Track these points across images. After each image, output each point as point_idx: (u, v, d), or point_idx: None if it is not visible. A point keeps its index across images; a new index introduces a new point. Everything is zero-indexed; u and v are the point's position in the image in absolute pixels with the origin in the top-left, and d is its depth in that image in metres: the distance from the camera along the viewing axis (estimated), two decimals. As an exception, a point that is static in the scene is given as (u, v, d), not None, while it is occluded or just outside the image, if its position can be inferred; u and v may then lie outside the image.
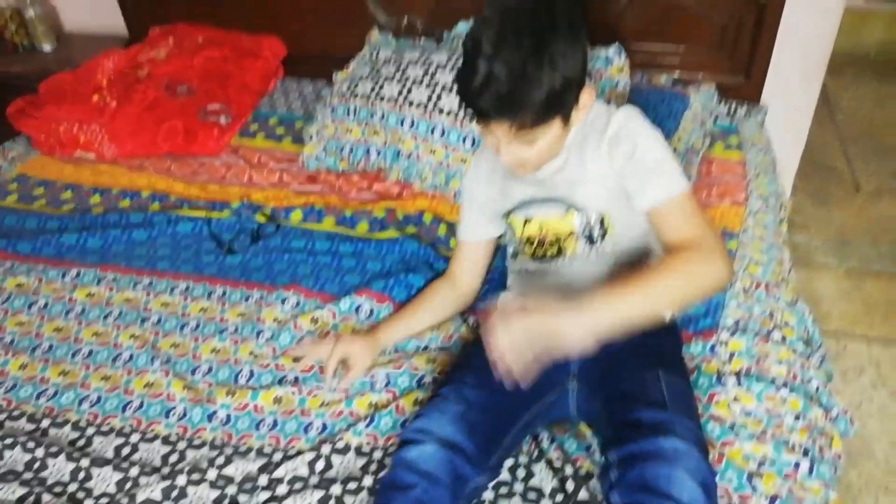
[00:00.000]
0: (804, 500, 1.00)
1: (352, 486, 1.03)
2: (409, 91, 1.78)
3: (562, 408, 1.13)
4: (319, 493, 1.02)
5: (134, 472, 1.06)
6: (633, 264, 1.18)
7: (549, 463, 1.08)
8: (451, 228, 1.54)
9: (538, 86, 0.96)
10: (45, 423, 1.17)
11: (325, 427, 1.15)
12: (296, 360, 1.26)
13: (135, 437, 1.14)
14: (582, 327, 0.92)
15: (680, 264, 1.01)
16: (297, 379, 1.23)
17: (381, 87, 1.81)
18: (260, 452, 1.10)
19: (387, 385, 1.21)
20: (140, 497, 1.02)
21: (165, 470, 1.07)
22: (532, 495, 1.03)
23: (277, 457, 1.09)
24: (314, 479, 1.05)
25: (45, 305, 1.42)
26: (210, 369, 1.27)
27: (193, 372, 1.26)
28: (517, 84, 0.95)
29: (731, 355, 1.22)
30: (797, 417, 1.12)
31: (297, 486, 1.04)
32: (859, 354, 1.98)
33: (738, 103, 2.02)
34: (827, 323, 2.07)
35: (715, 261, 1.02)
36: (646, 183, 1.07)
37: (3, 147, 1.98)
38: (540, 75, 0.95)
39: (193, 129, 1.90)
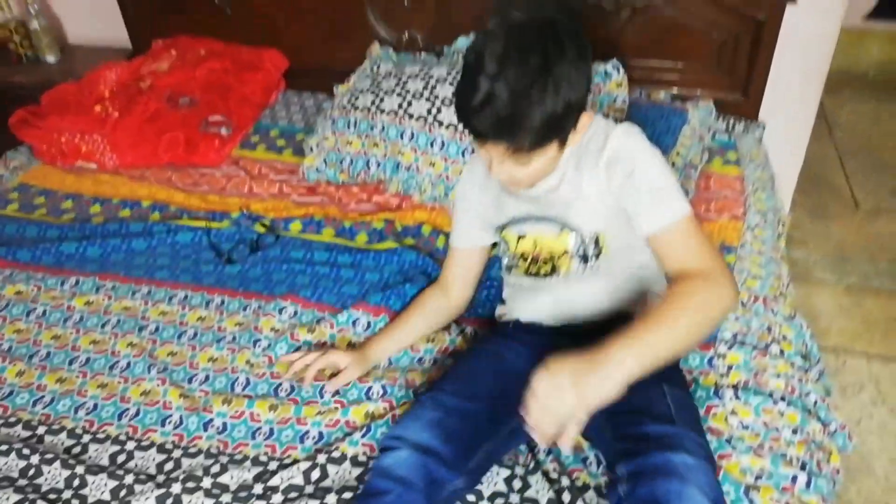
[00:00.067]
0: (802, 514, 1.00)
1: (347, 495, 1.03)
2: (409, 104, 1.79)
3: None
4: (314, 503, 1.01)
5: (129, 479, 1.06)
6: (628, 281, 1.17)
7: (546, 474, 1.08)
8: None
9: (539, 110, 0.94)
10: (41, 430, 1.17)
11: (321, 436, 1.14)
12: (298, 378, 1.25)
13: (130, 445, 1.14)
14: (609, 382, 0.90)
15: (691, 300, 0.98)
16: (292, 388, 1.23)
17: (382, 100, 1.82)
18: (255, 461, 1.10)
19: (383, 395, 1.21)
20: (134, 505, 1.02)
21: (160, 478, 1.07)
22: (528, 506, 1.03)
23: (273, 465, 1.09)
24: (309, 489, 1.05)
25: (44, 313, 1.42)
26: (207, 378, 1.27)
27: (190, 380, 1.26)
28: (518, 107, 0.93)
29: (729, 368, 1.22)
30: (795, 431, 1.12)
31: (293, 495, 1.04)
32: (859, 371, 1.97)
33: (737, 120, 2.03)
34: (826, 339, 2.07)
35: (724, 287, 1.00)
36: (646, 208, 1.05)
37: (6, 156, 1.99)
38: (542, 99, 0.93)
39: (194, 141, 1.91)
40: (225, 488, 1.05)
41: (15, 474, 1.07)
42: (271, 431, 1.16)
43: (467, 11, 2.10)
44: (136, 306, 1.43)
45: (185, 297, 1.45)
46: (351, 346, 1.32)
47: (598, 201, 1.10)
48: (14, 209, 1.76)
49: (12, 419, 1.19)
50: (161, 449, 1.13)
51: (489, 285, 1.43)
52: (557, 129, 0.99)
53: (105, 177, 1.88)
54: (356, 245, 1.59)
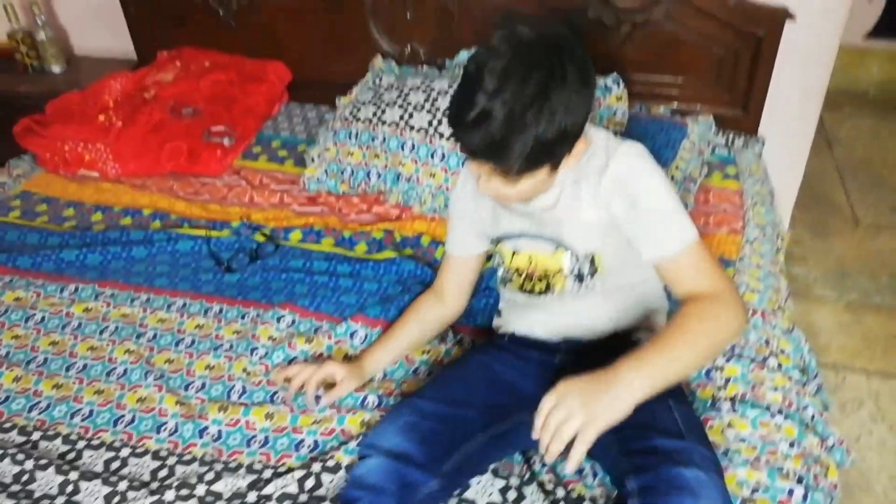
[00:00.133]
0: (798, 528, 0.99)
1: (341, 504, 1.02)
2: (411, 116, 1.80)
3: None
4: (308, 511, 1.01)
5: (122, 486, 1.06)
6: (626, 299, 1.16)
7: (541, 485, 1.07)
8: (449, 251, 1.54)
9: (531, 136, 0.91)
10: (36, 435, 1.17)
11: (316, 445, 1.14)
12: (286, 379, 1.24)
13: (125, 452, 1.14)
14: (619, 403, 0.89)
15: (701, 322, 0.98)
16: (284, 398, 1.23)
17: (383, 112, 1.84)
18: (250, 469, 1.10)
19: (378, 405, 1.21)
20: (128, 511, 1.02)
21: (154, 485, 1.07)
22: (523, 517, 1.02)
23: (267, 474, 1.08)
24: (303, 497, 1.04)
25: (42, 319, 1.43)
26: (203, 385, 1.27)
27: (187, 388, 1.26)
28: (510, 130, 0.91)
29: (727, 381, 1.22)
30: (792, 445, 1.12)
31: (286, 503, 1.03)
32: (858, 388, 1.97)
33: (736, 134, 2.04)
34: (826, 356, 2.06)
35: (733, 310, 1.00)
36: (651, 236, 1.03)
37: (9, 165, 2.00)
38: (536, 124, 0.91)
39: (197, 150, 1.92)
40: (219, 496, 1.05)
41: (8, 479, 1.07)
42: (266, 439, 1.15)
43: (470, 26, 2.12)
44: (135, 313, 1.43)
45: (184, 304, 1.46)
46: (347, 358, 1.32)
47: (596, 223, 1.07)
48: (16, 216, 1.77)
49: (7, 424, 1.19)
50: (156, 456, 1.13)
51: (487, 294, 1.43)
52: (548, 155, 0.97)
53: (107, 185, 1.89)
54: (355, 255, 1.60)
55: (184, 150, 1.91)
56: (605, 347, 1.15)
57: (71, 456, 1.13)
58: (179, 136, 1.93)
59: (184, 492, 1.04)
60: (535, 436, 0.92)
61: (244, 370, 1.29)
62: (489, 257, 1.33)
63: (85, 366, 1.31)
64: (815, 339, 2.10)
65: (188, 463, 1.11)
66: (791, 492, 1.04)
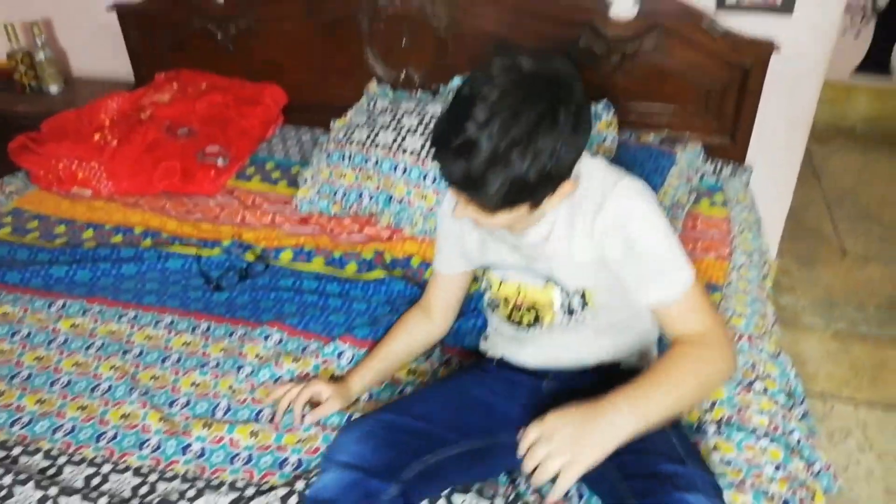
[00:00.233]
0: (783, 550, 0.99)
1: (323, 522, 1.01)
2: (404, 139, 1.82)
3: None
4: (290, 529, 1.00)
5: (102, 502, 1.04)
6: (618, 333, 1.15)
7: (526, 506, 1.06)
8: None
9: (512, 175, 0.88)
10: (17, 450, 1.15)
11: (300, 463, 1.13)
12: (272, 399, 1.24)
13: (106, 468, 1.12)
14: (606, 442, 0.90)
15: (693, 364, 0.98)
16: (273, 416, 1.22)
17: (377, 135, 1.86)
18: (232, 486, 1.08)
19: (365, 423, 1.20)
20: (106, 528, 1.00)
21: (135, 502, 1.05)
22: (507, 538, 1.01)
23: (250, 491, 1.07)
24: (286, 515, 1.03)
25: (28, 335, 1.42)
26: (188, 402, 1.26)
27: (171, 404, 1.25)
28: (492, 166, 0.88)
29: (713, 404, 1.22)
30: (777, 468, 1.12)
31: (268, 521, 1.02)
32: (846, 417, 1.97)
33: (724, 163, 2.07)
34: (813, 384, 2.06)
35: (724, 354, 1.00)
36: (648, 280, 1.02)
37: (2, 181, 2.01)
38: (520, 164, 0.88)
39: (191, 170, 1.93)
40: (200, 513, 1.03)
41: (-13, 494, 1.06)
42: (250, 457, 1.14)
43: (464, 53, 2.16)
44: (122, 330, 1.43)
45: (172, 322, 1.45)
46: (334, 378, 1.31)
47: (590, 262, 1.05)
48: (7, 232, 1.77)
49: (-12, 439, 1.18)
50: (137, 472, 1.11)
51: (476, 315, 1.43)
52: (528, 195, 0.94)
53: (99, 203, 1.90)
54: (345, 275, 1.60)
55: (178, 170, 1.92)
56: (595, 372, 1.16)
57: (51, 471, 1.11)
58: (174, 155, 1.95)
59: (164, 509, 1.03)
60: (520, 458, 0.92)
61: (230, 388, 1.29)
62: (477, 278, 1.33)
63: (69, 381, 1.30)
64: (803, 367, 2.11)
65: (170, 480, 1.10)
66: (776, 515, 1.04)
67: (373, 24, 2.20)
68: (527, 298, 1.13)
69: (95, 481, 1.10)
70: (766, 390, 1.27)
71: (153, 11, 2.34)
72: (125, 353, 1.37)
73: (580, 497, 1.08)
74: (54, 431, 1.20)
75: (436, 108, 1.88)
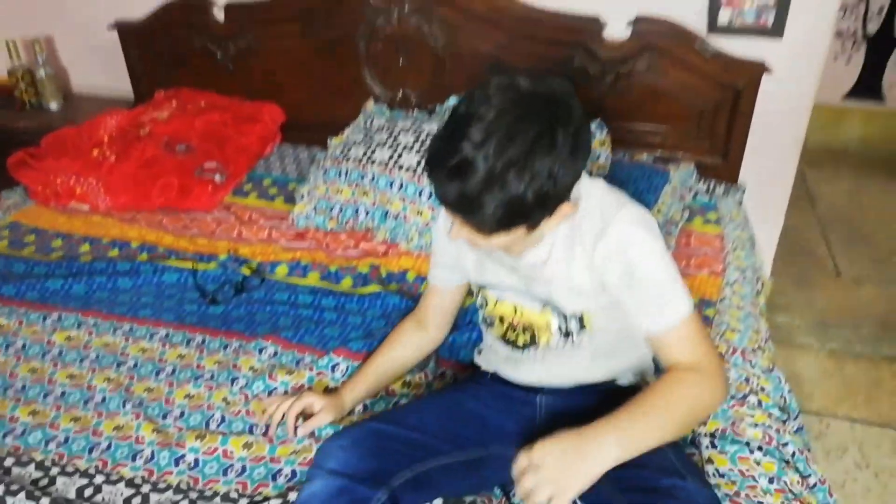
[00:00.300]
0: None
1: (316, 533, 1.00)
2: (400, 156, 1.84)
3: None
4: (282, 540, 0.99)
5: (94, 512, 1.04)
6: (614, 353, 1.14)
7: (520, 518, 1.06)
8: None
9: (507, 197, 0.87)
10: (9, 461, 1.15)
11: (294, 474, 1.13)
12: (265, 411, 1.23)
13: (99, 479, 1.12)
14: (593, 470, 0.91)
15: (685, 392, 0.98)
16: (267, 428, 1.22)
17: (373, 152, 1.88)
18: (226, 498, 1.08)
19: (359, 435, 1.19)
20: (97, 538, 0.99)
21: (127, 512, 1.05)
22: (501, 549, 1.01)
23: (243, 502, 1.07)
24: (278, 526, 1.03)
25: (23, 347, 1.42)
26: (182, 414, 1.26)
27: (165, 416, 1.25)
28: (488, 188, 0.86)
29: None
30: (771, 480, 1.11)
31: (261, 532, 1.02)
32: (842, 435, 1.96)
33: (717, 182, 2.09)
34: (809, 403, 2.07)
35: (716, 384, 1.00)
36: (644, 310, 1.01)
37: (1, 196, 2.02)
38: (516, 186, 0.86)
39: (188, 185, 1.95)
40: (192, 524, 1.03)
41: (-23, 505, 1.05)
42: (244, 468, 1.14)
43: (461, 73, 2.19)
44: (117, 342, 1.43)
45: (167, 335, 1.45)
46: (328, 391, 1.31)
47: (589, 288, 1.04)
48: (3, 246, 1.78)
49: (-20, 450, 1.17)
50: (130, 483, 1.11)
51: (471, 329, 1.43)
52: (524, 217, 0.92)
53: (96, 218, 1.91)
54: (341, 289, 1.61)
55: (175, 186, 1.93)
56: (591, 389, 1.16)
57: (44, 482, 1.11)
58: (171, 171, 1.96)
59: (156, 519, 1.03)
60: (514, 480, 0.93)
61: (224, 399, 1.28)
62: (472, 292, 1.33)
63: (63, 393, 1.30)
64: (798, 386, 2.11)
65: (163, 491, 1.10)
66: (771, 527, 1.04)
67: (370, 45, 2.23)
68: (523, 319, 1.12)
69: (88, 492, 1.09)
70: (759, 404, 1.27)
71: (153, 30, 2.38)
72: (119, 365, 1.37)
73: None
74: (47, 442, 1.19)
75: (431, 127, 1.90)
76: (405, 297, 1.54)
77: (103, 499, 1.08)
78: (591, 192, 1.03)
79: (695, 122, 2.11)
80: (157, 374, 1.35)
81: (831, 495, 1.23)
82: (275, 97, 2.34)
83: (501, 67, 2.12)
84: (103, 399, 1.28)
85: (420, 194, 1.78)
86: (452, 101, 2.13)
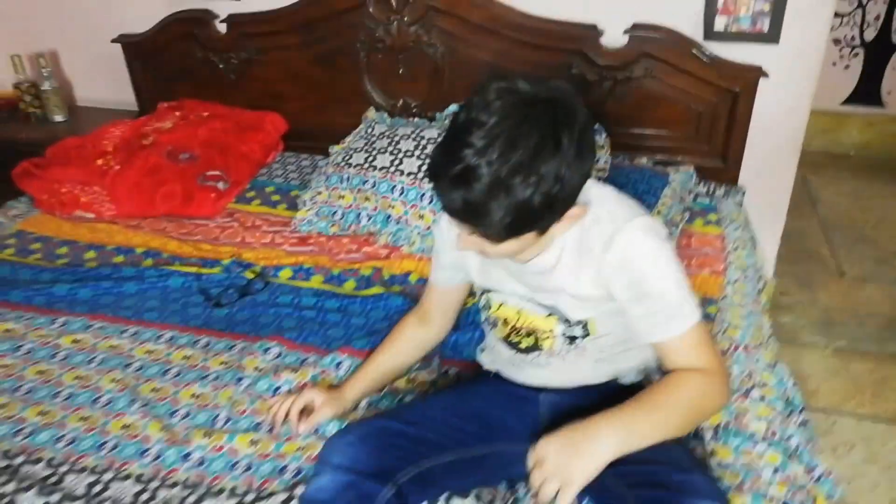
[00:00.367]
0: (783, 549, 0.99)
1: (323, 526, 1.01)
2: (401, 162, 1.86)
3: None
4: (289, 533, 1.00)
5: (103, 508, 1.05)
6: (617, 355, 1.14)
7: (525, 510, 1.06)
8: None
9: (515, 203, 0.85)
10: (19, 459, 1.16)
11: (300, 471, 1.13)
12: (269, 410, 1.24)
13: (107, 476, 1.13)
14: (594, 463, 0.92)
15: (689, 392, 0.99)
16: (272, 427, 1.23)
17: (374, 158, 1.90)
18: (232, 493, 1.09)
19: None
20: (107, 533, 1.00)
21: (135, 507, 1.06)
22: (506, 540, 1.01)
23: (250, 497, 1.07)
24: (285, 520, 1.03)
25: (31, 350, 1.43)
26: (188, 413, 1.27)
27: (172, 415, 1.26)
28: (494, 195, 0.85)
29: (710, 410, 1.22)
30: (775, 471, 1.12)
31: (267, 525, 1.02)
32: (849, 431, 1.96)
33: (717, 184, 2.10)
34: (815, 400, 2.06)
35: (720, 386, 1.01)
36: (654, 321, 1.00)
37: (6, 206, 2.05)
38: (523, 191, 0.85)
39: (191, 193, 1.96)
40: (199, 519, 1.04)
41: (-12, 502, 1.06)
42: (250, 465, 1.15)
43: (460, 81, 2.22)
44: (123, 345, 1.44)
45: (172, 337, 1.47)
46: (331, 388, 1.32)
47: (596, 296, 1.03)
48: (10, 253, 1.80)
49: (-10, 450, 1.18)
50: (138, 480, 1.12)
51: (474, 328, 1.43)
52: (533, 222, 0.91)
53: (101, 225, 1.93)
54: (344, 291, 1.62)
55: (178, 193, 1.95)
56: (594, 388, 1.16)
57: (53, 480, 1.12)
58: (175, 179, 1.98)
59: (164, 514, 1.03)
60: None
61: (230, 399, 1.29)
62: (475, 293, 1.33)
63: (71, 394, 1.31)
64: (804, 384, 2.11)
65: (171, 487, 1.10)
66: (776, 516, 1.04)
67: (370, 55, 2.26)
68: (526, 323, 1.12)
69: (97, 489, 1.10)
70: (763, 398, 1.27)
71: (156, 43, 2.41)
72: (126, 366, 1.38)
73: (581, 501, 1.08)
74: (56, 441, 1.20)
75: (432, 133, 1.92)
76: (408, 298, 1.55)
77: (112, 495, 1.09)
78: (602, 198, 1.02)
79: (693, 126, 2.13)
80: (164, 374, 1.36)
81: (837, 486, 1.23)
82: (276, 107, 2.37)
83: (500, 75, 2.14)
84: (110, 399, 1.29)
85: (421, 198, 1.80)
86: (452, 108, 2.16)
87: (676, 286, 0.99)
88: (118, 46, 2.43)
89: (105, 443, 1.19)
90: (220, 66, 2.38)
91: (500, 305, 1.15)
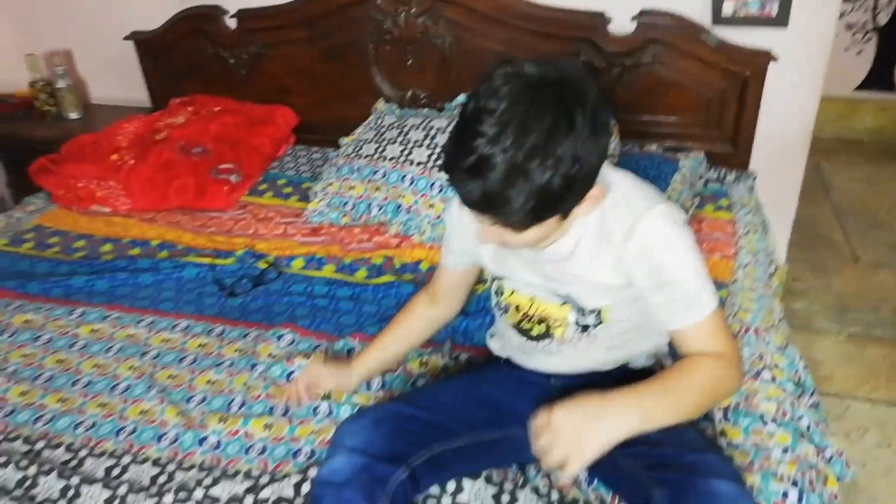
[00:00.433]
0: (793, 528, 0.99)
1: (337, 506, 1.02)
2: (410, 152, 1.88)
3: None
4: (304, 514, 1.02)
5: (122, 490, 1.07)
6: (629, 342, 1.14)
7: (536, 490, 1.08)
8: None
9: (535, 188, 0.83)
10: (40, 444, 1.19)
11: (313, 453, 1.15)
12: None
13: (126, 459, 1.15)
14: (608, 437, 0.90)
15: (705, 375, 0.99)
16: (287, 410, 1.25)
17: (384, 149, 1.91)
18: (247, 475, 1.11)
19: (377, 415, 1.22)
20: (126, 514, 1.03)
21: (153, 489, 1.08)
22: (517, 520, 1.02)
23: (264, 479, 1.09)
24: (299, 501, 1.05)
25: (50, 340, 1.46)
26: (204, 398, 1.29)
27: (188, 401, 1.29)
28: (512, 182, 0.83)
29: (719, 391, 1.23)
30: (785, 451, 1.12)
31: (282, 506, 1.04)
32: (863, 416, 1.95)
33: (728, 170, 2.10)
34: (828, 386, 2.06)
35: (734, 373, 1.02)
36: (672, 308, 1.00)
37: (24, 201, 2.09)
38: (541, 175, 0.83)
39: (204, 186, 1.99)
40: (216, 500, 1.06)
41: (11, 485, 1.09)
42: (264, 448, 1.17)
43: (468, 71, 2.23)
44: (140, 334, 1.47)
45: (188, 326, 1.49)
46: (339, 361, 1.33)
47: (614, 285, 1.03)
48: (29, 247, 1.83)
49: (13, 435, 1.21)
50: (156, 463, 1.14)
51: (484, 314, 1.44)
52: (555, 206, 0.89)
53: (117, 219, 1.96)
54: (355, 280, 1.64)
55: (191, 186, 1.98)
56: (607, 378, 1.15)
57: (73, 463, 1.15)
58: (188, 173, 2.00)
59: (182, 495, 1.06)
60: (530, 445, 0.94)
61: (244, 384, 1.32)
62: (486, 279, 1.33)
63: (89, 382, 1.34)
64: (817, 369, 2.10)
65: (187, 469, 1.13)
66: (786, 494, 1.04)
67: (378, 47, 2.28)
68: (539, 310, 1.12)
69: (116, 472, 1.13)
70: (773, 379, 1.27)
71: (167, 40, 2.44)
72: (143, 354, 1.41)
73: (590, 481, 1.09)
74: (75, 427, 1.23)
75: (441, 123, 1.93)
76: (419, 286, 1.56)
77: (130, 477, 1.11)
78: (620, 182, 1.01)
79: (703, 111, 2.12)
80: (180, 362, 1.39)
81: (848, 467, 1.23)
82: (286, 101, 2.39)
83: (507, 62, 2.14)
84: (128, 386, 1.32)
85: (431, 187, 1.81)
86: (461, 99, 2.17)
87: (695, 274, 0.99)
88: (130, 44, 2.47)
89: (123, 428, 1.22)
90: (231, 61, 2.41)
91: (513, 292, 1.14)
